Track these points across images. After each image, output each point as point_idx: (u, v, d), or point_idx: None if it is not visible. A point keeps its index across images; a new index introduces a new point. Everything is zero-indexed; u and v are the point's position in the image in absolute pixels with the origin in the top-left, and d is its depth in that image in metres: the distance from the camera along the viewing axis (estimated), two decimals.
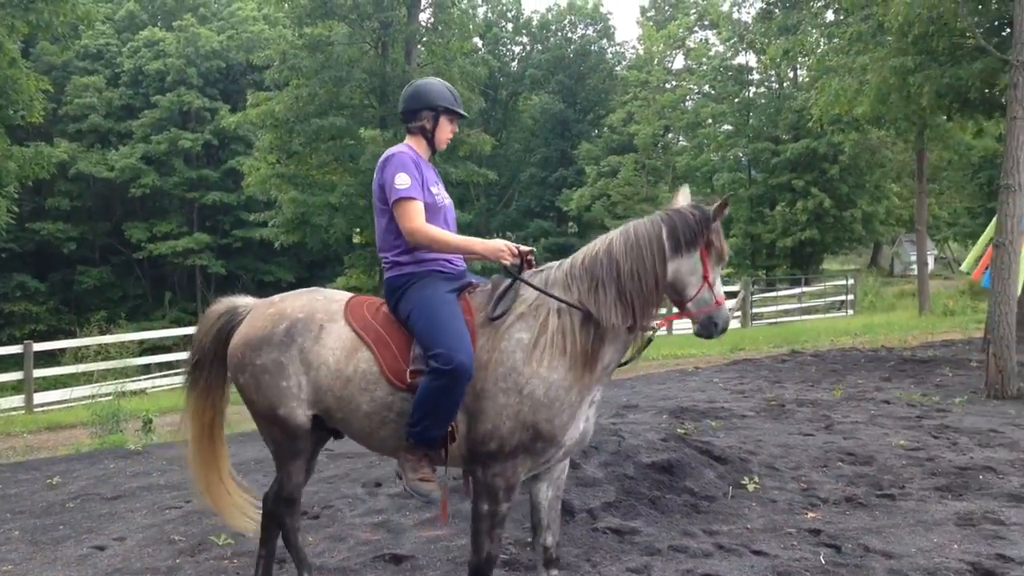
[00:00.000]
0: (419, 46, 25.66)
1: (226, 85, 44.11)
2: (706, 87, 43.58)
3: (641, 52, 51.15)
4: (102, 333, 25.62)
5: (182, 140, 39.80)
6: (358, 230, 25.99)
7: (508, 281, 4.04)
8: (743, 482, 6.37)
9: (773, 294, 31.42)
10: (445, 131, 4.31)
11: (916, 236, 26.97)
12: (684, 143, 45.32)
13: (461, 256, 4.25)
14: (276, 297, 4.38)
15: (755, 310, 27.27)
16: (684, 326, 25.45)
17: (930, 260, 49.94)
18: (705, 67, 42.65)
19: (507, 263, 4.03)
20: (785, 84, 40.71)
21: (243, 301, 4.50)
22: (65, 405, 15.32)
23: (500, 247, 4.05)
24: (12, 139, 17.87)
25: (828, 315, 28.71)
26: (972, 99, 13.54)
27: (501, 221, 50.79)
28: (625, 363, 4.09)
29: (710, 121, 41.87)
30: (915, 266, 30.76)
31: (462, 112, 4.34)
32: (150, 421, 9.90)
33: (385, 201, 4.10)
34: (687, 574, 4.82)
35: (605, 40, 54.88)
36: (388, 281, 4.15)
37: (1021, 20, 9.80)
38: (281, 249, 28.48)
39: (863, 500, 6.13)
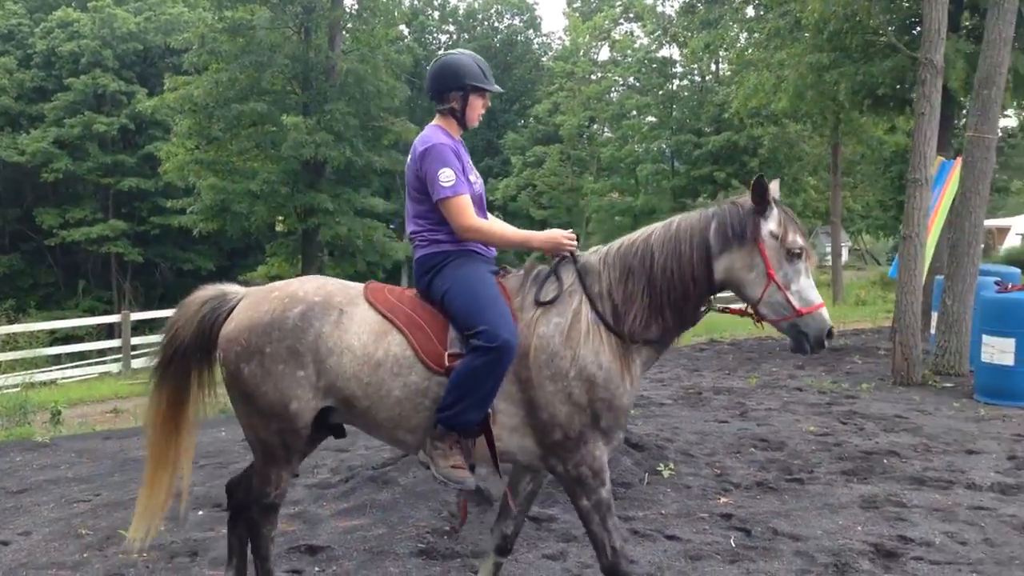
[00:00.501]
0: (343, 32, 25.35)
1: (143, 68, 42.89)
2: (631, 79, 43.98)
3: (567, 43, 51.39)
4: (11, 322, 24.78)
5: (97, 124, 38.55)
6: (281, 218, 25.61)
7: (546, 268, 3.88)
8: (659, 468, 6.47)
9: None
10: (476, 109, 4.06)
11: (830, 228, 27.69)
12: (609, 134, 45.68)
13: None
14: (278, 283, 4.05)
15: None
16: None
17: (844, 251, 51.40)
18: (630, 59, 43.06)
19: (567, 253, 3.86)
20: (707, 78, 41.34)
21: (232, 288, 4.14)
22: None
23: (559, 239, 3.87)
24: None
25: (740, 304, 29.18)
26: (883, 96, 13.95)
27: None
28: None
29: (634, 113, 42.29)
30: (830, 257, 31.58)
31: (493, 87, 4.09)
32: (59, 413, 9.62)
33: (422, 190, 3.89)
34: None
35: (531, 31, 55.05)
36: (421, 259, 3.93)
37: (929, 19, 10.13)
38: (200, 237, 27.87)
39: (773, 484, 6.29)
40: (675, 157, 41.58)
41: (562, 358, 3.64)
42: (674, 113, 40.89)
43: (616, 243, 3.88)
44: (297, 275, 24.49)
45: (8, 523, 5.84)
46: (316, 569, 4.77)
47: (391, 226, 43.03)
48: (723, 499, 5.98)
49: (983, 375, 9.50)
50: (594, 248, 3.93)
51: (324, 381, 3.74)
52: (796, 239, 3.63)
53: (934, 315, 11.82)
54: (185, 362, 4.02)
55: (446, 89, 4.00)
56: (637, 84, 43.48)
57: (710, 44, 20.08)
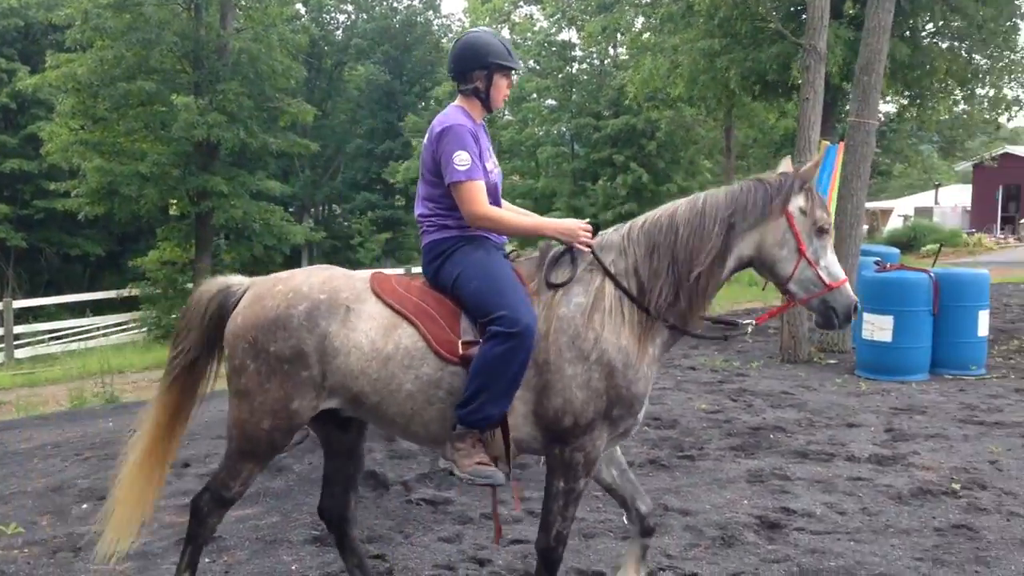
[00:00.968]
0: (236, 10, 24.67)
1: (25, 45, 40.87)
2: (531, 62, 44.14)
3: (467, 25, 51.18)
4: None
5: None
6: (173, 201, 24.86)
7: (560, 248, 3.76)
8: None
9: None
10: (501, 89, 3.88)
11: None
12: (509, 117, 45.77)
13: None
14: (283, 274, 3.88)
15: None
16: None
17: None
18: (530, 42, 43.16)
19: (583, 244, 3.70)
20: (606, 62, 41.80)
21: (236, 279, 3.96)
22: None
23: (575, 229, 3.73)
24: None
25: None
26: (772, 82, 14.35)
27: (327, 193, 49.81)
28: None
29: (535, 96, 42.47)
30: None
31: (517, 65, 3.93)
32: None
33: (436, 172, 3.75)
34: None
35: (431, 12, 54.60)
36: (430, 245, 3.79)
37: (813, 7, 10.43)
38: (87, 221, 26.81)
39: (665, 462, 6.45)
40: (575, 140, 41.94)
41: (584, 340, 3.54)
42: (574, 96, 41.22)
43: (639, 220, 3.79)
44: (190, 260, 23.93)
45: None
46: (207, 560, 4.67)
47: (290, 209, 42.34)
48: None
49: (864, 351, 9.91)
50: (614, 227, 3.88)
51: (330, 381, 3.62)
52: (823, 214, 3.65)
53: None
54: (199, 369, 3.93)
55: (469, 68, 3.83)
56: (537, 67, 43.66)
57: (607, 28, 20.29)
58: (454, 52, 3.89)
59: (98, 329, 23.10)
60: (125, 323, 23.95)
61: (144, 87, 21.83)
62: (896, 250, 15.14)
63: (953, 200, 53.70)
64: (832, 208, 11.99)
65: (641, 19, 19.81)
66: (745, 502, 5.57)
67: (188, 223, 24.49)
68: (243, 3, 24.59)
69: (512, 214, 3.86)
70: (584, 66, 43.20)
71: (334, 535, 4.15)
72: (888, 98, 17.85)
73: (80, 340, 21.29)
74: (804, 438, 7.05)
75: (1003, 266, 25.84)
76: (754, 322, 3.88)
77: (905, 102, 17.50)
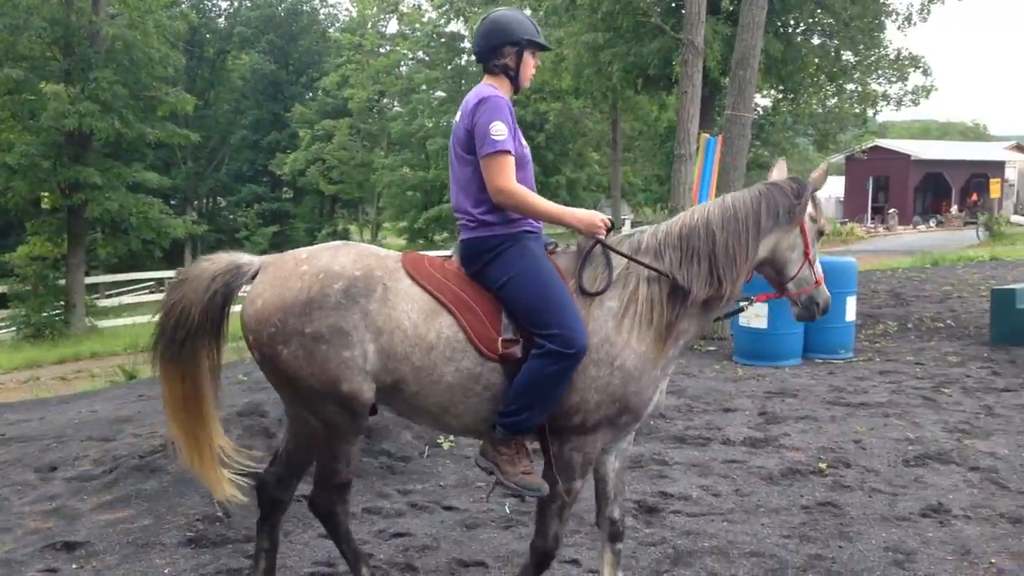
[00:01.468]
0: None
1: None
2: (420, 53, 43.91)
3: (354, 15, 50.55)
4: None
5: None
6: (44, 194, 23.78)
7: (592, 243, 3.67)
8: (439, 441, 6.55)
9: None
10: (529, 67, 3.79)
11: (612, 201, 28.86)
12: (399, 108, 45.47)
13: None
14: (300, 252, 3.68)
15: None
16: None
17: (627, 223, 53.76)
18: (418, 33, 42.94)
19: (602, 238, 3.65)
20: None
21: (245, 258, 3.74)
22: None
23: (597, 222, 3.65)
24: None
25: None
26: (653, 75, 14.65)
27: (211, 185, 48.48)
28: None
29: (424, 87, 42.30)
30: None
31: (546, 44, 3.86)
32: None
33: (470, 147, 3.61)
34: (380, 534, 4.92)
35: (317, 0, 53.69)
36: (472, 242, 3.65)
37: (691, 2, 10.71)
38: None
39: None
40: None
41: (613, 345, 3.54)
42: (463, 88, 41.18)
43: (672, 223, 3.76)
44: (62, 256, 22.93)
45: None
46: (74, 566, 4.51)
47: (171, 202, 41.01)
48: None
49: (740, 338, 10.23)
50: (639, 228, 3.82)
51: (372, 363, 3.49)
52: (823, 220, 3.88)
53: None
54: (194, 345, 3.65)
55: (500, 44, 3.72)
56: (426, 58, 43.47)
57: None
58: (483, 29, 3.78)
59: None
60: None
61: (11, 75, 20.79)
62: None
63: (827, 191, 55.87)
64: (712, 199, 12.35)
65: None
66: (625, 487, 5.68)
67: (60, 217, 23.46)
68: None
69: (537, 197, 3.68)
70: (473, 58, 43.20)
71: (262, 511, 3.92)
72: (764, 92, 18.46)
73: None
74: (683, 423, 7.24)
75: (872, 254, 27.11)
76: (752, 299, 4.10)
77: (780, 96, 18.13)
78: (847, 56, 16.32)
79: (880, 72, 17.13)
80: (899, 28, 16.29)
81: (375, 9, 45.83)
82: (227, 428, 6.10)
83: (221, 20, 51.81)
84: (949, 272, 18.71)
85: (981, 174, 48.81)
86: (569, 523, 5.01)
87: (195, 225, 30.01)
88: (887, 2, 16.02)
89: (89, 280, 24.55)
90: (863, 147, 34.29)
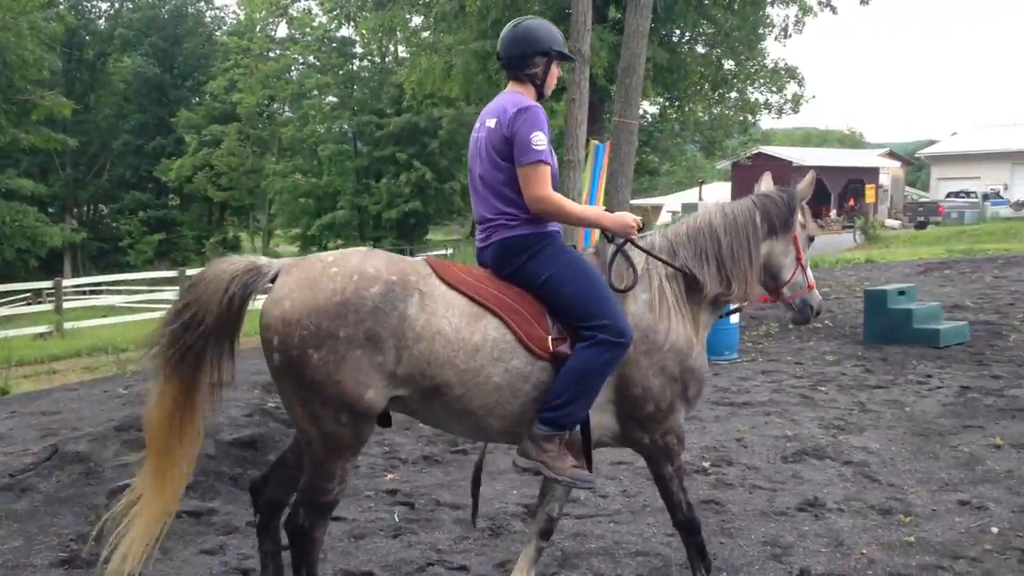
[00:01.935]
0: None
1: None
2: (311, 58, 43.33)
3: (242, 18, 49.55)
4: None
5: None
6: None
7: (623, 243, 3.85)
8: None
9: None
10: (554, 77, 3.92)
11: None
12: (290, 114, 44.78)
13: None
14: (325, 255, 3.58)
15: None
16: None
17: None
18: (309, 37, 42.36)
19: (634, 238, 3.84)
20: (387, 59, 41.66)
21: (262, 259, 3.61)
22: None
23: (630, 223, 3.81)
24: None
25: None
26: None
27: (92, 192, 46.75)
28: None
29: (315, 92, 41.77)
30: None
31: (571, 55, 3.91)
32: None
33: (508, 156, 3.69)
34: None
35: (203, 3, 52.43)
36: (511, 240, 3.71)
37: (577, 10, 10.85)
38: None
39: (439, 457, 6.52)
40: (357, 138, 41.60)
41: (656, 332, 3.76)
42: (355, 94, 40.86)
43: (678, 226, 4.05)
44: None
45: None
46: None
47: (49, 209, 39.37)
48: (390, 475, 6.11)
49: None
50: (650, 231, 4.03)
51: (405, 369, 3.43)
52: (812, 227, 4.22)
53: None
54: (202, 351, 3.45)
55: (531, 54, 3.81)
56: (317, 63, 42.93)
57: (383, 25, 20.20)
58: (515, 36, 3.85)
59: None
60: None
61: None
62: None
63: (716, 196, 57.40)
64: (600, 204, 12.54)
65: (419, 18, 19.89)
66: (514, 492, 5.72)
67: None
68: None
69: (572, 202, 3.85)
70: (365, 63, 42.90)
71: (261, 516, 3.83)
72: (651, 100, 18.88)
73: None
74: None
75: None
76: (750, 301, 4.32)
77: (666, 103, 18.58)
78: (729, 65, 16.84)
79: (760, 81, 17.73)
80: (776, 39, 16.92)
81: (263, 13, 45.01)
82: (104, 444, 5.94)
83: (101, 22, 50.06)
84: (828, 274, 19.41)
85: (858, 180, 51.00)
86: (459, 530, 5.04)
87: (74, 233, 28.93)
88: (765, 14, 16.58)
89: None
90: (748, 154, 35.37)
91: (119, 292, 24.41)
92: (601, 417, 3.81)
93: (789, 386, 8.71)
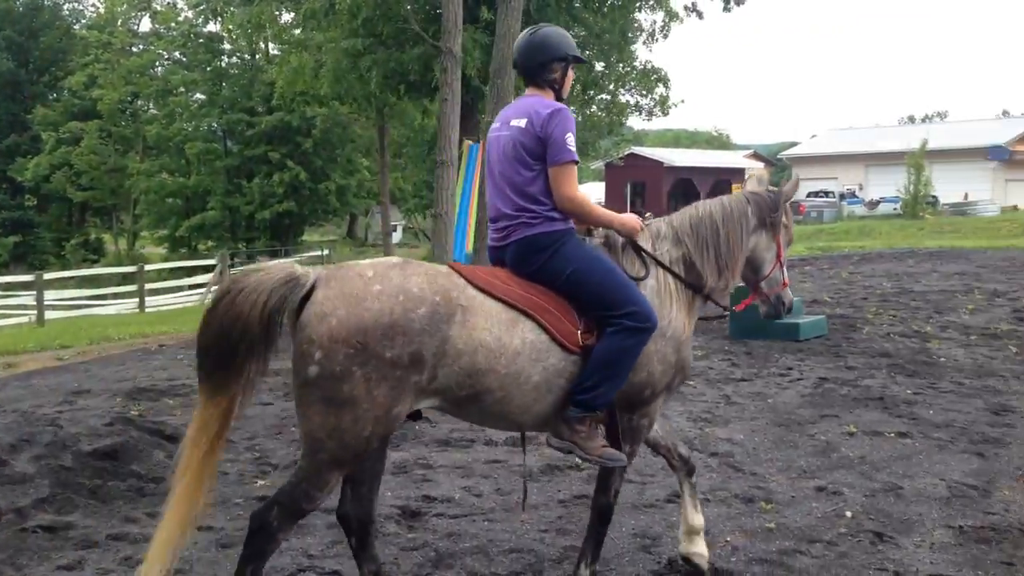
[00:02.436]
0: None
1: None
2: (176, 53, 41.94)
3: (102, 11, 47.54)
4: None
5: None
6: None
7: (626, 241, 4.10)
8: None
9: (253, 266, 31.53)
10: (569, 81, 4.10)
11: (381, 208, 28.81)
12: (155, 111, 43.20)
13: None
14: (361, 268, 3.52)
15: None
16: (156, 303, 24.27)
17: (399, 230, 53.82)
18: (174, 32, 41.01)
19: (638, 240, 4.09)
20: (257, 56, 40.73)
21: (300, 268, 3.53)
22: None
23: (635, 224, 4.07)
24: None
25: None
26: (415, 82, 14.74)
27: None
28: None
29: (182, 89, 40.46)
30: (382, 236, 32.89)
31: (585, 59, 3.82)
32: None
33: (539, 155, 3.83)
34: (125, 562, 4.63)
35: None
36: (533, 238, 3.83)
37: (448, 10, 10.86)
38: None
39: None
40: (227, 136, 40.51)
41: (662, 319, 3.92)
42: (224, 91, 39.76)
43: (682, 215, 4.29)
44: None
45: None
46: None
47: None
48: (261, 482, 5.97)
49: None
50: (660, 219, 4.30)
51: (440, 383, 3.53)
52: (792, 228, 4.54)
53: None
54: (243, 361, 3.42)
55: (549, 60, 3.97)
56: (183, 59, 41.57)
57: (251, 21, 19.73)
58: (533, 43, 4.01)
59: None
60: None
61: None
62: None
63: (590, 195, 58.36)
64: (474, 206, 12.60)
65: (288, 14, 19.50)
66: (389, 494, 5.67)
67: None
68: None
69: (594, 204, 4.05)
70: (234, 60, 41.81)
71: (354, 539, 3.91)
72: None
73: None
74: (448, 427, 7.30)
75: None
76: (734, 308, 4.67)
77: None
78: (600, 67, 17.15)
79: (630, 84, 18.14)
80: (644, 44, 17.35)
81: (125, 6, 43.29)
82: None
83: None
84: None
85: (725, 180, 52.79)
86: (333, 533, 4.96)
87: None
88: (634, 18, 16.97)
89: None
90: (620, 154, 36.10)
91: None
92: None
93: None
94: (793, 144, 73.26)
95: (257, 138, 38.38)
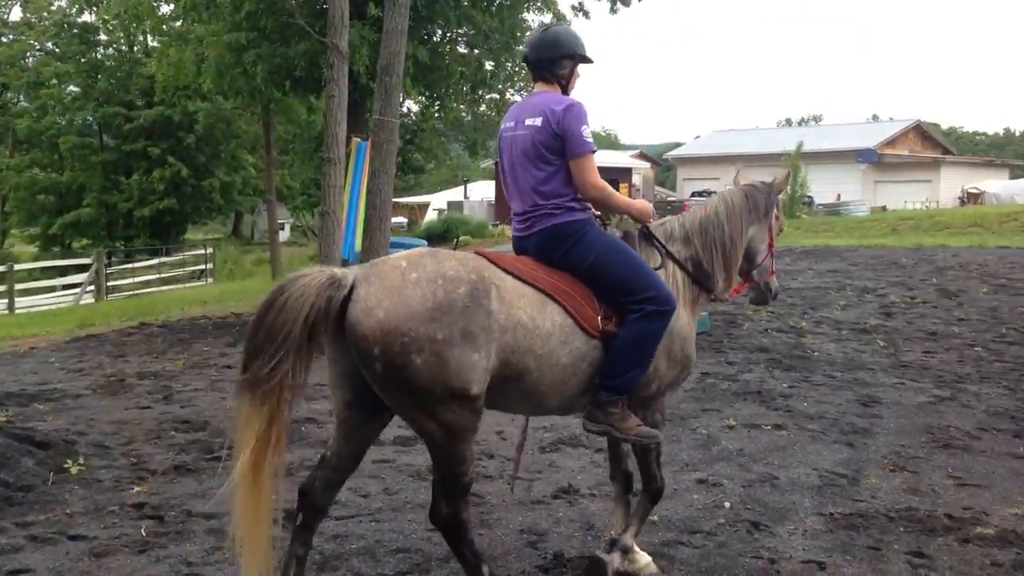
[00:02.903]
0: None
1: None
2: (49, 44, 40.17)
3: None
4: None
5: None
6: None
7: (641, 228, 4.34)
8: (66, 466, 6.01)
9: (131, 266, 30.49)
10: (576, 78, 4.30)
11: (267, 205, 28.23)
12: (26, 104, 41.24)
13: None
14: (396, 261, 3.66)
15: (111, 283, 26.11)
16: (27, 304, 23.18)
17: (287, 228, 52.81)
18: (47, 22, 39.30)
19: (651, 224, 4.34)
20: (136, 48, 39.40)
21: (339, 270, 3.63)
22: None
23: (648, 210, 4.33)
24: None
25: (189, 285, 28.68)
26: (302, 77, 14.48)
27: None
28: None
29: (54, 81, 38.75)
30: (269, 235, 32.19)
31: (592, 58, 4.31)
32: None
33: (557, 150, 4.01)
34: None
35: None
36: (560, 226, 4.01)
37: (334, 5, 10.71)
38: None
39: (192, 466, 6.23)
40: (103, 131, 39.01)
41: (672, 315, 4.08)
42: (100, 83, 38.29)
43: (692, 214, 4.51)
44: None
45: None
46: None
47: None
48: (137, 488, 5.77)
49: None
50: (661, 220, 4.47)
51: (492, 360, 3.61)
52: (783, 219, 4.88)
53: None
54: (289, 365, 3.48)
55: (559, 57, 4.17)
56: (56, 50, 39.84)
57: (128, 12, 19.00)
58: (546, 40, 4.21)
59: None
60: None
61: None
62: (424, 241, 16.14)
63: (480, 194, 58.45)
64: (363, 204, 12.48)
65: (168, 6, 18.88)
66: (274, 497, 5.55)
67: None
68: None
69: (613, 190, 4.15)
70: (111, 51, 40.30)
71: (303, 516, 3.87)
72: (414, 98, 18.96)
73: None
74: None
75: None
76: (726, 296, 4.73)
77: (428, 102, 18.70)
78: (489, 66, 17.19)
79: (520, 84, 18.25)
80: None
81: None
82: None
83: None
84: None
85: (613, 179, 53.11)
86: (219, 539, 4.84)
87: None
88: (523, 18, 17.07)
89: None
90: None
91: None
92: None
93: None
94: (678, 144, 75.10)
95: (136, 133, 37.10)
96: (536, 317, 3.77)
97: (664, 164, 69.56)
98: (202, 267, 31.24)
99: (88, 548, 4.75)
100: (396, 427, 7.17)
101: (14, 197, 38.71)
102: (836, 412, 7.51)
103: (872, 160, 53.41)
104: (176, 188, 36.91)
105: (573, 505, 5.40)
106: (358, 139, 13.36)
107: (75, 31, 38.41)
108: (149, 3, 16.37)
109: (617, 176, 53.01)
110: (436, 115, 18.90)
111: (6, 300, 21.69)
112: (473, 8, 15.26)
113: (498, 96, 18.00)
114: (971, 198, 48.40)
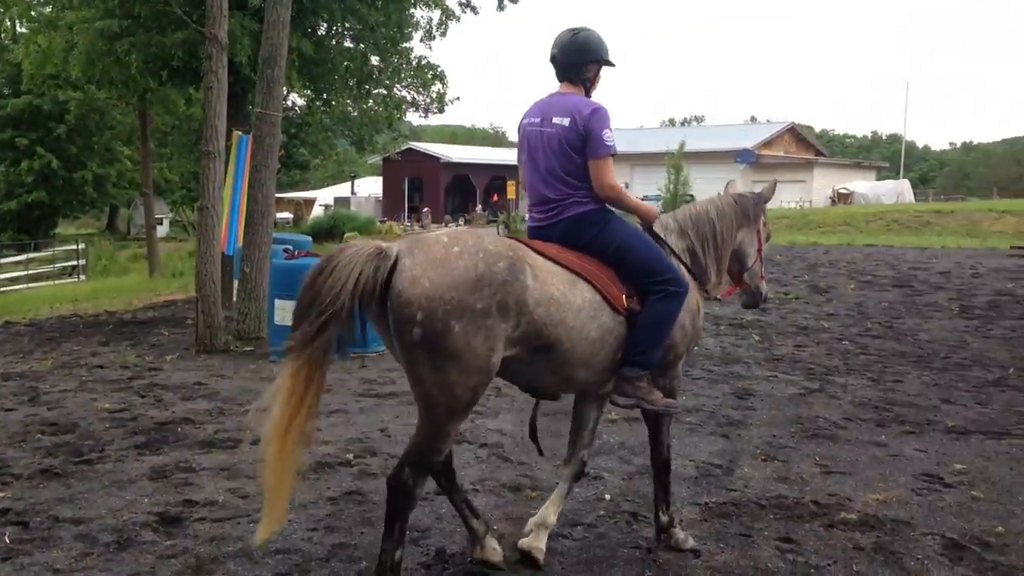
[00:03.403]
0: None
1: None
2: None
3: None
4: None
5: None
6: None
7: (647, 226, 4.70)
8: None
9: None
10: (599, 81, 4.56)
11: (144, 199, 27.28)
12: None
13: None
14: (438, 236, 3.91)
15: None
16: None
17: (165, 223, 51.12)
18: None
19: (653, 225, 4.72)
20: (3, 34, 37.50)
21: (384, 243, 3.84)
22: None
23: (654, 211, 4.72)
24: None
25: (59, 282, 27.48)
26: (179, 67, 14.02)
27: None
28: None
29: None
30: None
31: (614, 62, 4.55)
32: None
33: (580, 149, 4.30)
34: None
35: None
36: (588, 214, 4.33)
37: None
38: None
39: (60, 470, 5.97)
40: None
41: None
42: None
43: (686, 212, 4.87)
44: None
45: None
46: None
47: None
48: (0, 494, 5.49)
49: (276, 336, 10.19)
50: (667, 213, 4.88)
51: (520, 331, 3.86)
52: (770, 225, 5.23)
53: (236, 283, 12.33)
54: (336, 329, 3.69)
55: (586, 61, 4.45)
56: None
57: None
58: (576, 43, 4.45)
59: None
60: None
61: None
62: (308, 238, 15.87)
63: (368, 191, 57.88)
64: (245, 199, 12.19)
65: None
66: (146, 500, 5.39)
67: None
68: None
69: (627, 192, 4.55)
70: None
71: (443, 484, 4.39)
72: (298, 92, 18.60)
73: None
74: (213, 427, 7.05)
75: None
76: (719, 297, 5.10)
77: (313, 96, 18.38)
78: (375, 61, 17.01)
79: (407, 80, 18.13)
80: (422, 41, 17.38)
81: None
82: None
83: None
84: None
85: (500, 176, 53.96)
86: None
87: None
88: (410, 14, 16.96)
89: None
90: (398, 149, 36.03)
91: None
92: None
93: None
94: None
95: (2, 122, 35.35)
96: (567, 293, 4.06)
97: None
98: (74, 263, 29.96)
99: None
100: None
101: None
102: (713, 405, 7.74)
103: (750, 160, 55.26)
104: (46, 180, 35.38)
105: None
106: (239, 132, 13.03)
107: None
108: None
109: (504, 174, 53.44)
110: (322, 110, 18.58)
111: None
112: (359, 2, 15.07)
113: (385, 92, 17.82)
114: (841, 198, 50.68)
